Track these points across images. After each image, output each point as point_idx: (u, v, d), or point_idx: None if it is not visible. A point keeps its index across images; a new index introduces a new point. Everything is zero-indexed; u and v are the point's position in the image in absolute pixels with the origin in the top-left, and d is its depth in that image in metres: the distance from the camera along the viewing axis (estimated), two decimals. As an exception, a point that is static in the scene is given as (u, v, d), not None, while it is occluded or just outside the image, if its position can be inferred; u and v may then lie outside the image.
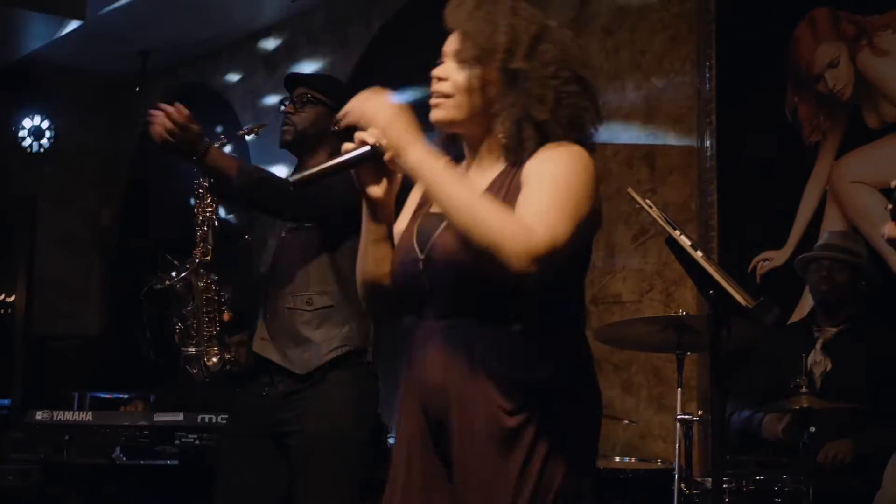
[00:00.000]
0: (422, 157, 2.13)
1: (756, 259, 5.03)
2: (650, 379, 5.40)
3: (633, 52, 5.61)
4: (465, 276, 2.16)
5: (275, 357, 3.57)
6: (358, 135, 2.22)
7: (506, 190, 2.22)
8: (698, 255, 2.92)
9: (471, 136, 2.34)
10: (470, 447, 2.16)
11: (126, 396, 6.48)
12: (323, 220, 3.51)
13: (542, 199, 2.13)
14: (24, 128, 9.01)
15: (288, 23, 7.89)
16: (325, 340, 3.53)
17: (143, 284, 3.79)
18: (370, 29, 7.23)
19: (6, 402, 8.45)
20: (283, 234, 3.65)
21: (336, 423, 3.46)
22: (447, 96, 2.27)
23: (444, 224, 2.21)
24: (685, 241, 2.94)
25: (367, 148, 2.22)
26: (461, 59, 2.26)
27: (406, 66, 6.82)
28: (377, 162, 2.22)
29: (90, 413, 4.50)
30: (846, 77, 4.78)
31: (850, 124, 4.77)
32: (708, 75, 5.27)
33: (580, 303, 2.36)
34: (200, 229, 3.71)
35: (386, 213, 2.30)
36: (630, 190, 2.85)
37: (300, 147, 3.70)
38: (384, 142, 2.17)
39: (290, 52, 7.92)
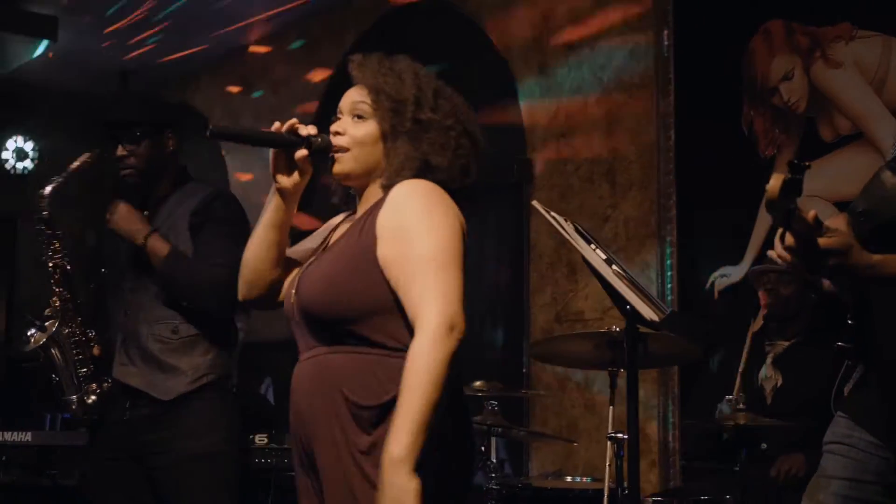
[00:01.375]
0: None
1: (714, 275, 4.97)
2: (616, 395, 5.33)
3: (594, 66, 5.56)
4: (316, 311, 2.29)
5: (138, 383, 3.59)
6: (297, 124, 2.40)
7: (358, 236, 2.32)
8: (611, 270, 2.87)
9: (362, 188, 2.45)
10: (332, 465, 2.24)
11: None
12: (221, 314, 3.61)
13: (427, 281, 2.18)
14: (6, 149, 9.01)
15: (264, 42, 7.88)
16: (190, 368, 3.57)
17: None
18: (343, 46, 7.20)
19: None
20: (144, 259, 3.62)
21: (205, 441, 3.52)
22: (345, 150, 2.39)
23: (309, 264, 2.40)
24: (599, 257, 2.89)
25: (297, 137, 2.38)
26: (367, 110, 2.38)
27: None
28: (294, 154, 2.38)
29: (29, 434, 4.51)
30: (801, 90, 4.73)
31: (805, 137, 4.72)
32: (667, 90, 5.23)
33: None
34: (53, 277, 3.73)
35: (289, 203, 2.45)
36: (535, 203, 2.82)
37: (147, 182, 3.72)
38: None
39: (266, 71, 7.90)
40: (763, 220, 4.80)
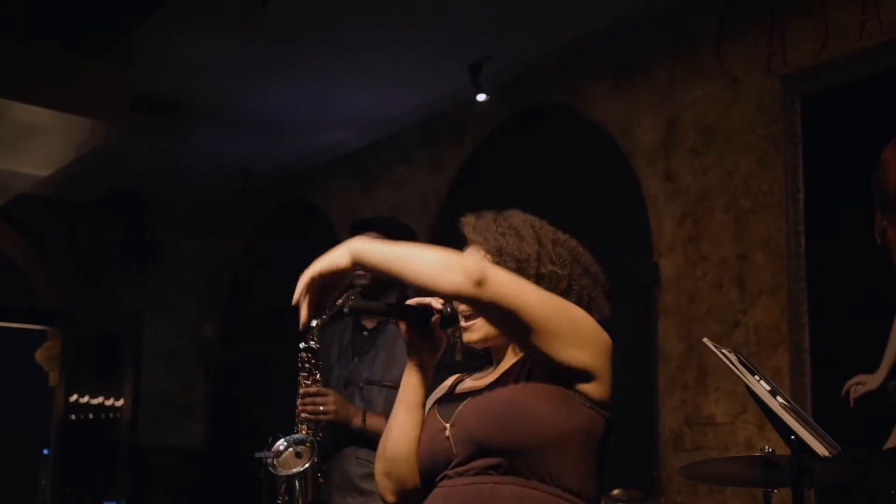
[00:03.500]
0: None
1: (849, 383, 4.98)
2: (745, 502, 5.35)
3: (721, 173, 5.65)
4: (489, 436, 2.25)
5: (334, 502, 3.70)
6: (427, 298, 2.42)
7: (528, 372, 2.34)
8: (776, 402, 2.94)
9: (498, 347, 2.46)
10: None
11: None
12: None
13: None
14: (131, 244, 9.35)
15: (382, 142, 8.08)
16: None
17: (245, 406, 3.92)
18: (463, 148, 7.38)
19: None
20: (362, 386, 3.77)
21: None
22: (475, 317, 2.40)
23: (469, 397, 2.37)
24: (763, 389, 2.96)
25: (429, 308, 2.41)
26: None
27: (498, 184, 7.00)
28: (426, 326, 2.42)
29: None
30: (934, 200, 4.78)
31: (940, 247, 4.75)
32: (796, 197, 5.29)
33: (600, 470, 2.38)
34: (306, 423, 3.82)
35: (426, 379, 2.46)
36: (706, 340, 2.89)
37: (373, 292, 3.81)
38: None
39: (385, 171, 8.10)
40: (899, 327, 4.83)
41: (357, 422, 3.74)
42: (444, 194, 7.45)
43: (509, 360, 2.44)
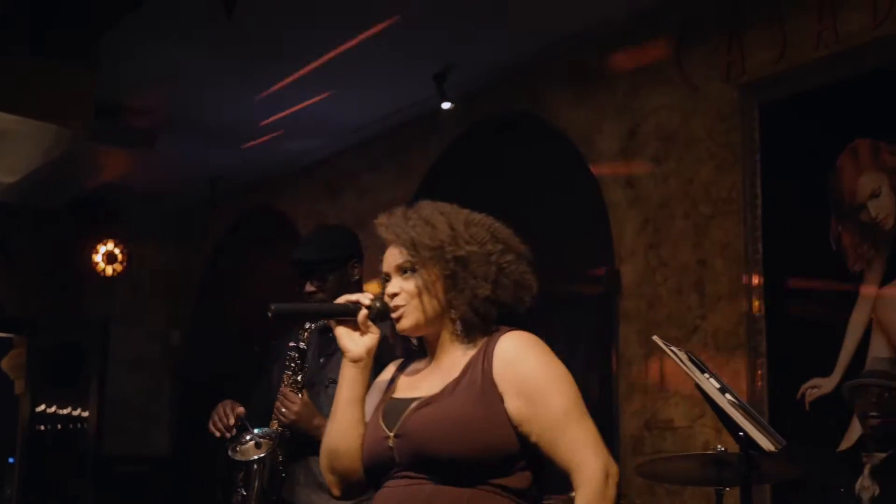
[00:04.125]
0: None
1: (804, 386, 5.06)
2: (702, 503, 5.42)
3: (681, 180, 5.73)
4: (440, 451, 2.33)
5: (300, 500, 3.74)
6: (356, 295, 2.54)
7: (479, 376, 2.41)
8: (725, 399, 3.00)
9: (433, 337, 2.54)
10: None
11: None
12: None
13: (580, 431, 2.36)
14: (97, 252, 9.35)
15: (350, 150, 8.14)
16: None
17: (208, 415, 3.97)
18: (429, 156, 7.43)
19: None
20: (327, 385, 3.82)
21: None
22: (405, 305, 2.49)
23: (413, 405, 2.42)
24: (712, 386, 3.03)
25: (357, 306, 2.50)
26: (411, 265, 2.49)
27: (463, 191, 7.04)
28: (354, 322, 2.50)
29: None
30: (888, 207, 4.86)
31: (893, 253, 4.82)
32: (754, 203, 5.37)
33: (540, 468, 2.46)
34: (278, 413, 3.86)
35: (364, 374, 2.52)
36: (655, 338, 2.95)
37: None
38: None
39: (352, 178, 8.15)
40: (853, 331, 4.91)
41: (319, 434, 3.77)
42: (410, 202, 7.48)
43: (446, 352, 2.51)
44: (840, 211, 5.04)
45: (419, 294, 2.48)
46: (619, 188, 6.07)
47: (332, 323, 2.53)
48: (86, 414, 9.43)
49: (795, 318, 5.17)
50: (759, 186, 5.37)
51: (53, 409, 9.48)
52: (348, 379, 2.52)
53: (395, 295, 2.50)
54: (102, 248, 9.35)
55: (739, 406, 3.03)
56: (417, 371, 2.58)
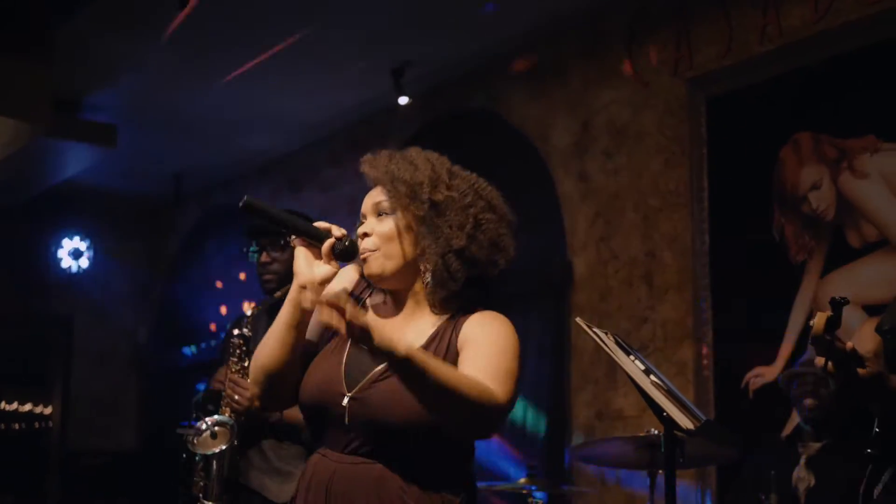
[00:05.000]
0: (409, 346, 2.21)
1: (749, 375, 5.15)
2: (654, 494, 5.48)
3: (631, 173, 5.81)
4: (395, 429, 2.30)
5: (255, 485, 3.80)
6: (331, 225, 2.43)
7: (445, 348, 2.39)
8: (648, 380, 3.07)
9: (401, 289, 2.48)
10: None
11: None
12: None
13: (495, 363, 2.32)
14: (62, 248, 9.37)
15: (311, 146, 8.19)
16: None
17: (176, 414, 4.03)
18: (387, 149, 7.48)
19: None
20: None
21: None
22: (373, 250, 2.42)
23: (376, 370, 2.36)
24: (637, 368, 3.09)
25: (327, 235, 2.39)
26: (388, 206, 2.42)
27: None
28: (317, 250, 2.40)
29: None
30: (829, 198, 4.95)
31: (834, 243, 4.92)
32: (701, 196, 5.46)
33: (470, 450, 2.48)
34: (231, 401, 3.91)
35: (309, 302, 2.36)
36: (578, 320, 3.01)
37: (284, 286, 3.94)
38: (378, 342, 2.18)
39: (314, 173, 8.20)
40: (794, 322, 5.00)
41: (274, 416, 3.83)
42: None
43: (413, 314, 2.46)
44: (783, 202, 5.12)
45: (391, 239, 2.41)
46: (572, 182, 6.14)
47: (294, 241, 2.43)
48: (48, 411, 9.44)
49: (740, 308, 5.25)
50: (705, 179, 5.45)
51: (14, 406, 9.46)
52: (292, 303, 2.40)
53: (365, 235, 2.43)
54: (68, 244, 9.38)
55: (664, 387, 3.09)
56: (383, 320, 2.48)
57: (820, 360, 2.50)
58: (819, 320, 2.32)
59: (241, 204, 2.37)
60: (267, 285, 4.00)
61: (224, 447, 3.82)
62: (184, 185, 9.08)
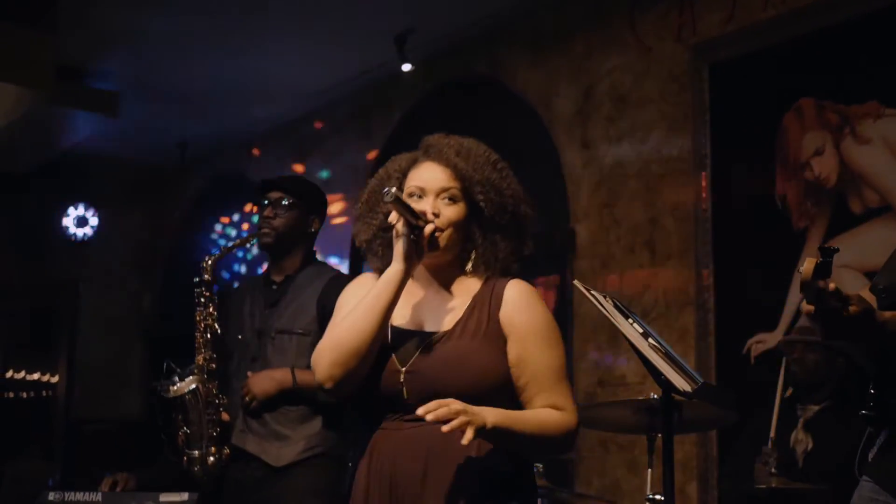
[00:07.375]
0: (496, 416, 2.41)
1: (750, 341, 5.16)
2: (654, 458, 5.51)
3: (634, 140, 5.80)
4: (446, 389, 2.42)
5: (253, 448, 3.85)
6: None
7: (486, 318, 2.56)
8: (646, 343, 3.08)
9: (442, 262, 2.62)
10: None
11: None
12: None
13: (556, 372, 2.61)
14: (68, 216, 9.39)
15: (315, 114, 8.18)
16: (303, 439, 3.81)
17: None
18: (392, 119, 7.49)
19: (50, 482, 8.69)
20: (273, 335, 3.91)
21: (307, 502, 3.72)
22: (441, 230, 2.55)
23: (426, 342, 2.52)
24: (636, 331, 3.10)
25: (429, 221, 2.52)
26: (459, 196, 2.58)
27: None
28: (419, 235, 2.50)
29: (99, 494, 4.65)
30: (831, 164, 4.94)
31: (836, 210, 4.92)
32: (703, 163, 5.45)
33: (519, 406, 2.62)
34: (202, 336, 3.99)
35: (403, 281, 2.51)
36: (576, 282, 3.02)
37: (279, 248, 4.00)
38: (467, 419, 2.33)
39: (317, 142, 8.20)
40: (795, 288, 5.00)
41: (289, 383, 3.86)
42: (372, 164, 7.56)
43: (447, 282, 2.63)
44: (785, 169, 5.12)
45: (458, 226, 2.57)
46: (575, 149, 6.13)
47: (400, 222, 2.49)
48: (55, 379, 9.47)
49: (742, 274, 5.26)
50: (708, 146, 5.44)
51: (22, 374, 9.51)
52: (395, 284, 2.50)
53: (436, 216, 2.54)
54: (73, 212, 9.40)
55: (662, 350, 3.09)
56: (415, 297, 2.63)
57: (808, 308, 2.47)
58: (808, 266, 2.28)
59: (387, 197, 2.43)
60: (264, 238, 4.04)
61: (194, 386, 3.91)
62: (188, 152, 9.09)
